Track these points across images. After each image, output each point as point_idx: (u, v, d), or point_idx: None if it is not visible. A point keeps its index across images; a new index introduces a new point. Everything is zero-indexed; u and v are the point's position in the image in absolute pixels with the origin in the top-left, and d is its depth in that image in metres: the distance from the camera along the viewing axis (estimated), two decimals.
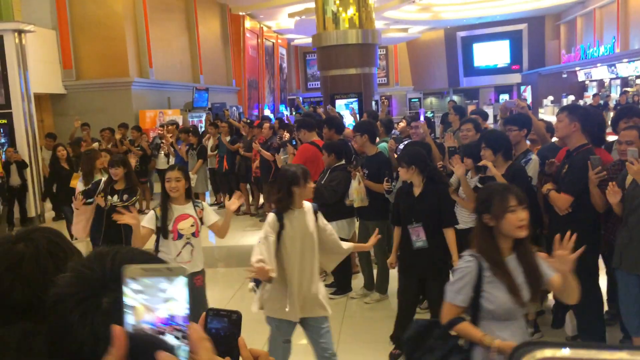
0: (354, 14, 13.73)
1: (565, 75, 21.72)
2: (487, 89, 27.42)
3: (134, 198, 5.12)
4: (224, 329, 0.87)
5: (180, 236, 3.97)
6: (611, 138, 4.84)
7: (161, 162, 10.37)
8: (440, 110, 23.02)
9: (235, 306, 1.11)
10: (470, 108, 12.98)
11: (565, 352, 0.57)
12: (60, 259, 1.16)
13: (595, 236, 3.93)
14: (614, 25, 18.88)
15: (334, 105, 12.69)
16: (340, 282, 5.71)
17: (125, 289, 0.72)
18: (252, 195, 10.04)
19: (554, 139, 5.10)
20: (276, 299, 3.43)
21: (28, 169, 9.69)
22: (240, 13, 20.72)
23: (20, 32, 9.78)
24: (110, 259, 0.83)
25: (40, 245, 1.17)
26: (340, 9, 13.74)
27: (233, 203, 3.97)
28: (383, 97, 16.02)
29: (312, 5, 15.08)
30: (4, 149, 9.65)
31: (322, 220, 3.58)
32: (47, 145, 10.12)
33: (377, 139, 5.89)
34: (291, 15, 21.48)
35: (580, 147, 3.94)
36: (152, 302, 0.71)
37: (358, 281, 5.85)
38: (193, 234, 4.01)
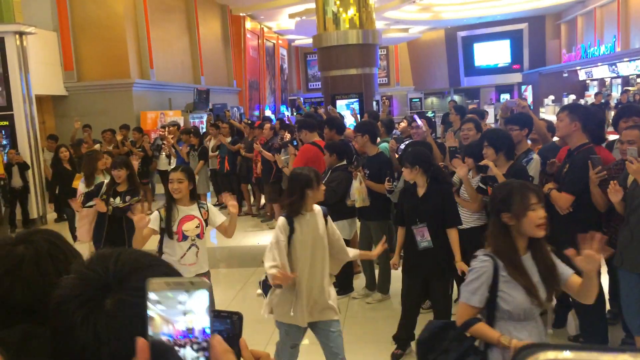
0: (355, 15, 13.73)
1: (566, 75, 21.67)
2: (488, 88, 27.42)
3: (136, 199, 5.12)
4: (225, 331, 0.86)
5: (185, 237, 3.93)
6: (612, 137, 4.84)
7: (162, 163, 10.38)
8: (441, 110, 22.99)
9: (237, 307, 1.11)
10: (471, 108, 12.99)
11: (568, 354, 0.56)
12: (60, 261, 1.16)
13: None
14: (614, 25, 18.87)
15: (334, 105, 12.69)
16: (342, 282, 5.71)
17: (147, 303, 0.72)
18: (254, 196, 10.04)
19: (555, 139, 5.10)
20: (285, 304, 3.40)
21: (30, 171, 9.70)
22: (241, 14, 20.74)
23: (21, 34, 9.79)
24: (113, 260, 0.83)
25: (40, 248, 1.17)
26: (341, 9, 13.74)
27: (232, 206, 3.94)
28: (384, 97, 16.00)
29: (313, 5, 15.08)
30: (6, 151, 9.66)
31: (332, 224, 3.55)
32: (49, 147, 10.14)
33: (378, 139, 5.89)
34: (292, 16, 21.49)
35: (581, 147, 3.94)
36: (170, 314, 0.71)
37: (360, 281, 5.85)
38: (198, 236, 3.97)
